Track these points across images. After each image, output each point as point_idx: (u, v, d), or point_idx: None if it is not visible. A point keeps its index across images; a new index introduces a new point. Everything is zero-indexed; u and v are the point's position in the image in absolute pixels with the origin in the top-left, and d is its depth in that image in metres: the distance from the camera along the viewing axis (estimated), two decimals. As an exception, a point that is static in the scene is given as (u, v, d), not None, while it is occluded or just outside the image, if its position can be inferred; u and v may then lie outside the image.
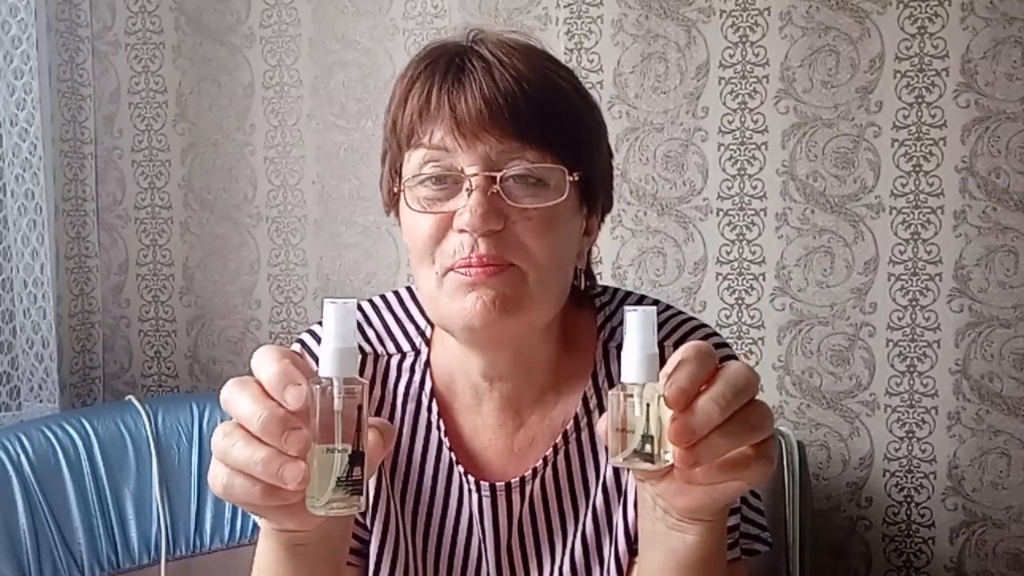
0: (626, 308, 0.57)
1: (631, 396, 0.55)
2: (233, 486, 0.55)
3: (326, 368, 0.54)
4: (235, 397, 0.55)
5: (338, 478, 0.53)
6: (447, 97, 0.72)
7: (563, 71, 0.78)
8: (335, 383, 0.54)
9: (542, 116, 0.73)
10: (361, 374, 0.75)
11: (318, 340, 0.84)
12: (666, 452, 0.55)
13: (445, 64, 0.74)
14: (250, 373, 0.56)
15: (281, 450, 0.52)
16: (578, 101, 0.77)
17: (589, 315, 0.85)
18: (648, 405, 0.55)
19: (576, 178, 0.74)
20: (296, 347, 0.85)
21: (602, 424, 0.57)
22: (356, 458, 0.53)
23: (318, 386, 0.53)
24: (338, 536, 0.68)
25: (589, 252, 0.84)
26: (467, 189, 0.71)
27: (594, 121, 0.79)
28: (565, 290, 0.78)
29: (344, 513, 0.54)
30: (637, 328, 0.56)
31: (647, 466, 0.55)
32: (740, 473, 0.56)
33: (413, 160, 0.75)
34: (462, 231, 0.71)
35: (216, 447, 0.55)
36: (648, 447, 0.55)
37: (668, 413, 0.54)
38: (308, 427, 0.53)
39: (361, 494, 0.54)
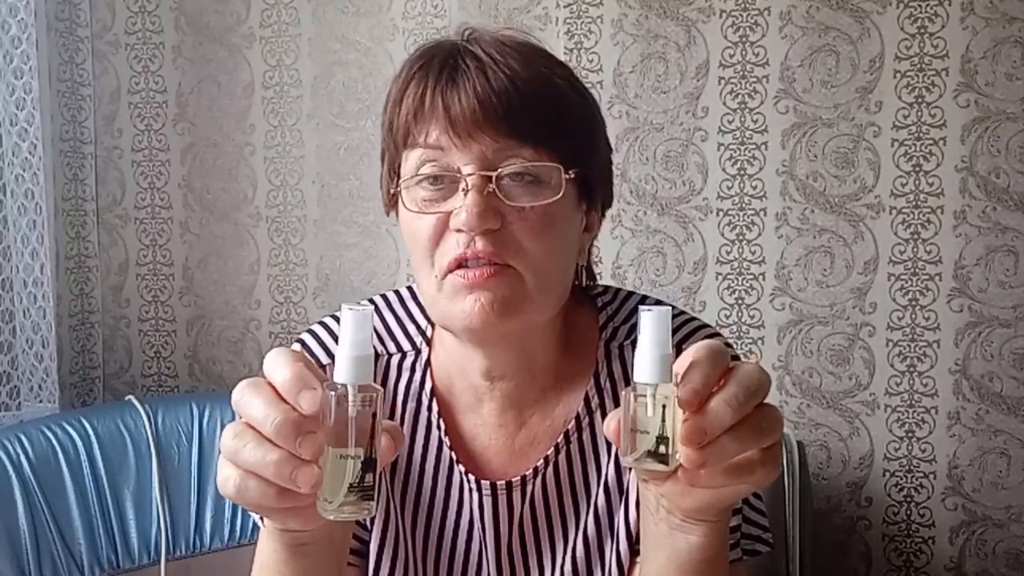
0: (641, 308, 0.56)
1: (643, 396, 0.55)
2: (247, 488, 0.54)
3: (342, 375, 0.53)
4: (248, 399, 0.54)
5: (350, 484, 0.53)
6: (441, 97, 0.72)
7: (559, 68, 0.77)
8: (350, 390, 0.53)
9: (537, 114, 0.72)
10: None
11: (318, 340, 0.84)
12: (676, 453, 0.55)
13: (439, 64, 0.74)
14: (251, 373, 0.56)
15: (294, 454, 0.52)
16: (574, 98, 0.77)
17: (591, 315, 0.85)
18: (664, 407, 0.54)
19: (573, 175, 0.73)
20: (296, 347, 0.84)
21: (612, 423, 0.57)
22: (369, 464, 0.53)
23: (333, 392, 0.53)
24: (340, 536, 0.68)
25: (590, 249, 0.84)
26: (463, 189, 0.71)
27: (591, 117, 0.79)
28: (566, 288, 0.78)
29: (354, 518, 0.54)
30: (651, 328, 0.55)
31: (660, 467, 0.55)
32: (745, 477, 0.56)
33: (410, 160, 0.75)
34: (459, 231, 0.71)
35: (226, 448, 0.54)
36: (663, 448, 0.55)
37: (680, 414, 0.54)
38: (321, 431, 0.52)
39: (372, 499, 0.54)
